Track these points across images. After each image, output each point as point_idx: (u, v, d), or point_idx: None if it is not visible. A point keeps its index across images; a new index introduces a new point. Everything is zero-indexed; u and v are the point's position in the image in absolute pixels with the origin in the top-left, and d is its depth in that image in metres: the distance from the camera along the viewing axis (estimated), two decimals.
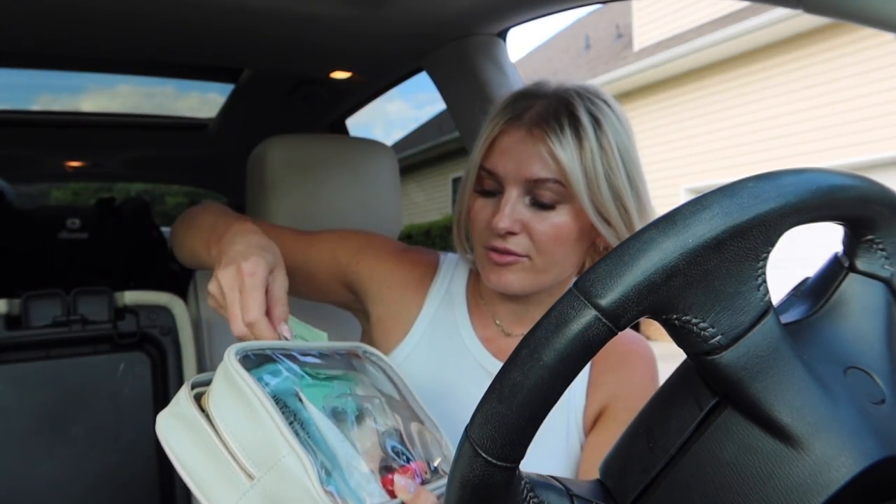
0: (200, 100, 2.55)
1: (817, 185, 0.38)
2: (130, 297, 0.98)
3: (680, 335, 0.37)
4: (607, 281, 0.35)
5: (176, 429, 0.54)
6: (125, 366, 0.96)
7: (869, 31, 5.72)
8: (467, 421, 0.37)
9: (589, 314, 0.35)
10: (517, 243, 0.77)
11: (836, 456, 0.36)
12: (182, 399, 0.55)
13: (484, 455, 0.37)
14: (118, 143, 2.65)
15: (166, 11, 1.19)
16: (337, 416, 0.58)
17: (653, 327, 6.63)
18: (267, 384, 0.55)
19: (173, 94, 2.68)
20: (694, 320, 0.36)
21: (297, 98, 1.97)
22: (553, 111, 0.75)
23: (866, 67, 6.60)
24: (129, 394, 0.96)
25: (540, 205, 0.77)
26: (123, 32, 1.32)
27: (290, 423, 0.53)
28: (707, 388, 0.39)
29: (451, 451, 0.70)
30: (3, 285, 1.43)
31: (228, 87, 2.12)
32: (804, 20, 6.61)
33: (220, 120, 2.40)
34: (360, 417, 0.60)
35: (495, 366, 0.84)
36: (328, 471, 0.53)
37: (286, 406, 0.55)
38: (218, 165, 2.74)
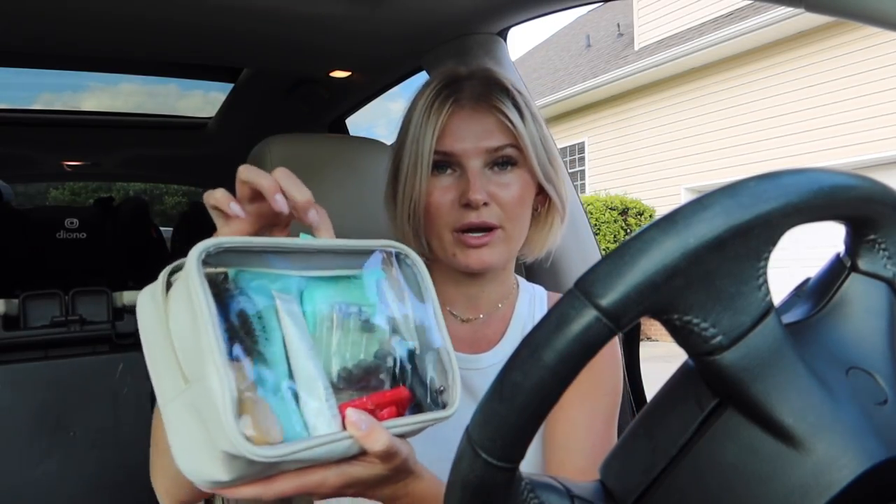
0: (202, 99, 2.55)
1: (819, 185, 0.37)
2: (129, 297, 0.98)
3: (681, 335, 0.37)
4: (608, 281, 0.35)
5: (146, 307, 0.51)
6: (124, 366, 0.96)
7: (870, 30, 5.72)
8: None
9: (590, 314, 0.34)
10: (491, 214, 0.80)
11: (839, 457, 0.36)
12: (160, 278, 0.51)
13: (484, 456, 0.37)
14: (117, 143, 2.65)
15: (165, 11, 1.19)
16: (339, 318, 0.53)
17: (653, 327, 6.64)
18: (240, 288, 0.50)
19: (175, 93, 2.68)
20: (695, 320, 0.36)
21: (296, 97, 1.97)
22: (489, 87, 0.82)
23: (867, 67, 6.60)
24: (127, 394, 0.95)
25: (501, 168, 0.81)
26: (123, 32, 1.31)
27: (245, 335, 0.48)
28: (708, 388, 0.39)
29: (454, 380, 0.61)
30: (1, 286, 1.42)
31: (228, 87, 2.12)
32: (805, 19, 6.61)
33: (220, 119, 2.39)
34: (366, 324, 0.54)
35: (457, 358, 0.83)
36: (274, 389, 0.48)
37: (251, 315, 0.49)
38: (217, 165, 2.73)
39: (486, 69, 0.86)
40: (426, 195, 0.82)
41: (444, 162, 0.82)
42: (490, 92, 0.82)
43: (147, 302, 0.52)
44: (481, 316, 0.88)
